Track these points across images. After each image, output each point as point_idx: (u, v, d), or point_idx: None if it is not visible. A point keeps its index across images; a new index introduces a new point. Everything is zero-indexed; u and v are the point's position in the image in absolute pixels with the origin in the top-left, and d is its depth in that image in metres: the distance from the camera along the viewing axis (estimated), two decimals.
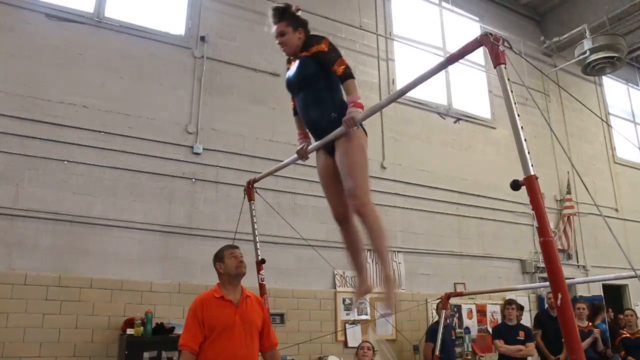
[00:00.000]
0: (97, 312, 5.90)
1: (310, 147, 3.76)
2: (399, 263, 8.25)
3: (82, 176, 6.26)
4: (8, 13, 6.33)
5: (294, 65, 3.55)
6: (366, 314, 7.71)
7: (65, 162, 6.18)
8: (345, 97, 3.33)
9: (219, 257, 3.88)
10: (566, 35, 10.91)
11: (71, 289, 5.83)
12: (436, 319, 7.51)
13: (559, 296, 2.09)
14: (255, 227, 5.01)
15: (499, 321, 8.51)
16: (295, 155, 4.00)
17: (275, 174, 5.42)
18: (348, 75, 3.27)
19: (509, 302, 7.61)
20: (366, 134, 3.50)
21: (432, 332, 7.09)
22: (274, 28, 3.57)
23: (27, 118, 6.06)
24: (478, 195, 9.40)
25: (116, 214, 6.32)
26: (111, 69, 6.76)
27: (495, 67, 2.51)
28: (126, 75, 6.84)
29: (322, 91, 3.41)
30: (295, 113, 3.79)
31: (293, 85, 3.58)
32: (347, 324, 7.46)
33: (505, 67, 2.47)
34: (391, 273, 3.18)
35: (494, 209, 9.50)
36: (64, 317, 5.70)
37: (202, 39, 7.43)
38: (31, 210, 5.87)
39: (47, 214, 5.94)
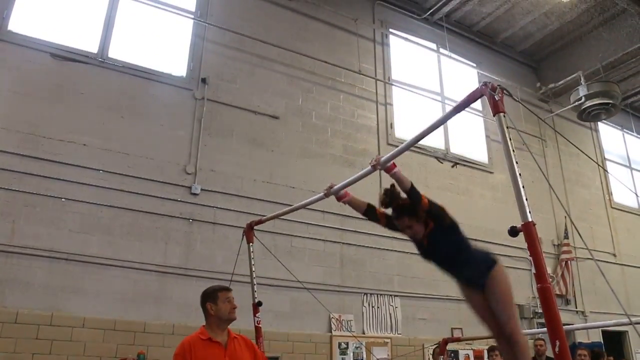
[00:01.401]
0: (89, 352, 5.78)
1: (336, 187, 3.93)
2: (396, 307, 8.17)
3: (79, 214, 6.25)
4: (14, 52, 6.45)
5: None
6: (362, 359, 7.58)
7: (62, 199, 6.18)
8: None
9: (211, 298, 3.67)
10: (561, 82, 11.10)
11: (63, 328, 5.74)
12: None
13: (557, 343, 2.07)
14: (253, 269, 4.97)
15: None
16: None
17: (272, 215, 5.42)
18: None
19: (492, 349, 7.25)
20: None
21: None
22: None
23: (27, 155, 6.09)
24: (475, 240, 9.30)
25: (112, 252, 6.28)
26: (112, 108, 6.83)
27: (494, 115, 2.55)
28: (127, 114, 6.91)
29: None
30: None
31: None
32: None
33: (504, 116, 2.51)
34: None
35: None
36: (53, 357, 5.59)
37: (203, 80, 7.55)
38: (26, 247, 5.84)
39: (42, 251, 5.91)
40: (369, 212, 3.87)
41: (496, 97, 2.53)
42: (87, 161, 6.42)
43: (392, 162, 3.41)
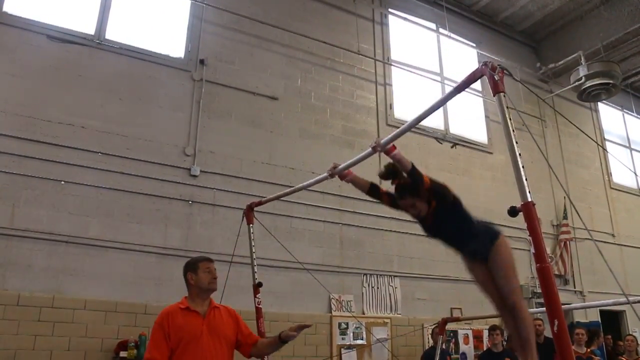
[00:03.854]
0: (91, 334, 5.83)
1: (340, 167, 3.89)
2: (396, 288, 8.21)
3: (79, 197, 6.25)
4: (10, 34, 6.39)
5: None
6: (362, 339, 7.64)
7: (62, 182, 6.17)
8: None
9: (192, 267, 3.66)
10: (562, 62, 11.03)
11: (65, 310, 5.78)
12: (432, 344, 7.44)
13: (556, 322, 2.08)
14: (254, 251, 4.98)
15: None
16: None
17: (271, 196, 5.42)
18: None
19: (493, 328, 7.27)
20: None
21: (428, 357, 7.03)
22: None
23: (26, 138, 6.08)
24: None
25: (112, 235, 6.30)
26: (111, 91, 6.80)
27: (494, 95, 2.54)
28: (125, 96, 6.87)
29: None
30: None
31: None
32: (342, 349, 7.40)
33: (504, 95, 2.49)
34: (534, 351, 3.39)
35: None
36: (56, 339, 5.64)
37: (202, 62, 7.50)
38: (27, 230, 5.85)
39: (42, 234, 5.92)
40: (372, 191, 3.89)
41: (496, 77, 2.52)
42: (86, 144, 6.41)
43: (391, 144, 3.40)
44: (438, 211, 3.59)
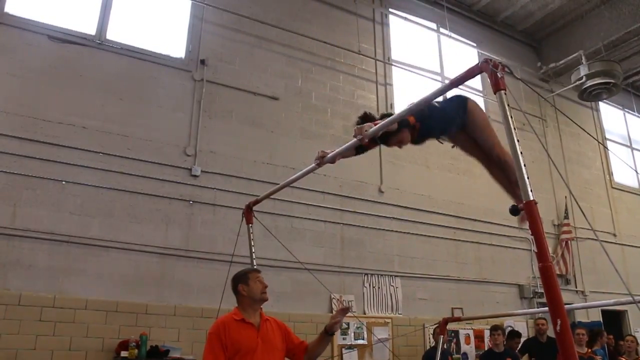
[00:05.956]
0: (92, 334, 5.83)
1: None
2: (397, 288, 8.20)
3: (80, 197, 6.25)
4: (11, 35, 6.39)
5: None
6: (363, 339, 7.64)
7: (62, 182, 6.17)
8: None
9: (243, 279, 3.69)
10: (562, 61, 11.03)
11: (66, 310, 5.77)
12: (433, 344, 7.43)
13: (558, 322, 2.07)
14: (253, 251, 4.97)
15: None
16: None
17: (272, 197, 5.41)
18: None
19: (494, 328, 7.23)
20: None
21: (429, 357, 7.01)
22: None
23: (27, 138, 6.07)
24: (475, 220, 9.39)
25: (113, 235, 6.30)
26: (111, 91, 6.80)
27: (495, 93, 2.52)
28: (126, 96, 6.87)
29: None
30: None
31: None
32: (343, 349, 7.39)
33: (505, 93, 2.48)
34: None
35: (491, 233, 9.49)
36: (57, 339, 5.63)
37: (202, 62, 7.50)
38: (28, 230, 5.85)
39: (43, 234, 5.92)
40: (359, 149, 3.90)
41: (498, 75, 2.50)
42: (87, 144, 6.41)
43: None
44: (422, 127, 3.75)
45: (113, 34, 7.11)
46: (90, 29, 6.99)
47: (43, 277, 5.82)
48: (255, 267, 3.95)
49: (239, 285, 3.66)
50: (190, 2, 7.79)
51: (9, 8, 6.51)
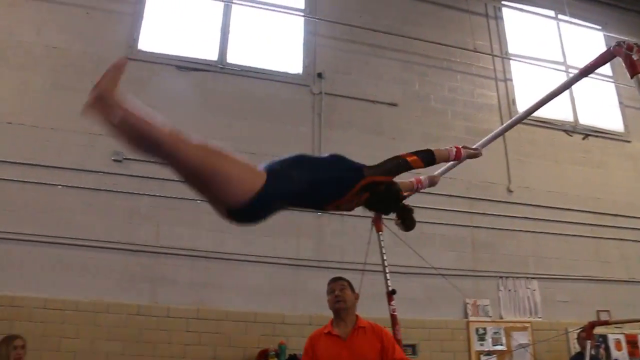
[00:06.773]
0: (234, 343, 6.11)
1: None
2: (534, 290, 7.78)
3: (214, 214, 6.52)
4: (144, 69, 6.94)
5: None
6: (502, 344, 7.31)
7: (198, 201, 6.52)
8: None
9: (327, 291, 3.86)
10: None
11: (209, 321, 6.11)
12: (578, 349, 6.94)
13: None
14: (385, 258, 4.95)
15: None
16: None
17: None
18: None
19: None
20: None
21: None
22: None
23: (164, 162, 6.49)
24: (616, 215, 8.68)
25: (247, 249, 6.56)
26: (236, 111, 7.13)
27: (632, 77, 2.34)
28: (250, 115, 7.18)
29: None
30: None
31: None
32: (481, 355, 7.12)
33: None
34: None
35: (636, 229, 8.72)
36: (203, 348, 5.97)
37: (319, 75, 7.66)
38: (171, 247, 6.27)
39: (184, 250, 6.32)
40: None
41: (634, 57, 2.31)
42: None
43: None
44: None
45: (233, 58, 7.48)
46: (213, 55, 7.40)
47: (186, 290, 6.20)
48: (336, 276, 3.98)
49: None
50: (302, 19, 8.00)
51: (142, 45, 7.10)
